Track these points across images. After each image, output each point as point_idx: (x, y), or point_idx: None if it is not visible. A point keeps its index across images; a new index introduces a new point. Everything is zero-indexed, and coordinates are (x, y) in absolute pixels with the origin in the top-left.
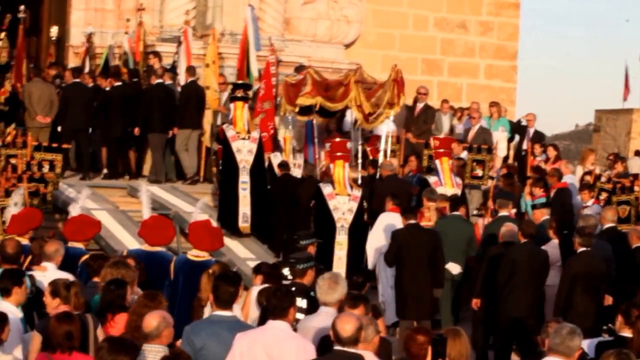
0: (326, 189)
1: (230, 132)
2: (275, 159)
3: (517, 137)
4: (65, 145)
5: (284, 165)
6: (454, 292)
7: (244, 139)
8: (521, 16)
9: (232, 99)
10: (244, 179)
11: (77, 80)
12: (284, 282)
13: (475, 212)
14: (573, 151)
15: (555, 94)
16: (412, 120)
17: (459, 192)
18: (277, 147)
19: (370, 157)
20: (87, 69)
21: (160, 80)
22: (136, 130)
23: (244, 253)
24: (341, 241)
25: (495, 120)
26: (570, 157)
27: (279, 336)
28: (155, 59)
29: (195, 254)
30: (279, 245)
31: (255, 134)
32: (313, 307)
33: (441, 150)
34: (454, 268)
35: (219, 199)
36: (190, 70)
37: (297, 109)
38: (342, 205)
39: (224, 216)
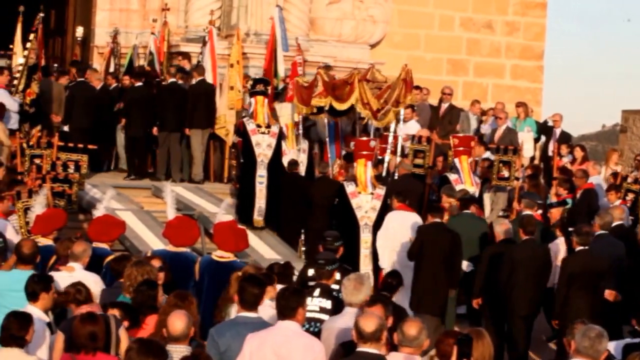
0: (349, 188)
1: (250, 126)
2: (274, 127)
3: (543, 138)
4: (91, 146)
5: (292, 163)
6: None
7: (263, 133)
8: (548, 16)
9: (252, 93)
10: (261, 173)
11: (82, 79)
12: (310, 283)
13: (501, 213)
14: (600, 152)
15: (581, 95)
16: (437, 120)
17: (477, 191)
18: (280, 134)
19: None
20: (112, 69)
21: (173, 80)
22: (154, 130)
23: (269, 254)
24: (366, 239)
25: (521, 121)
26: (597, 157)
27: (287, 336)
28: (184, 60)
29: (220, 255)
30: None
31: (275, 129)
32: (338, 307)
33: (460, 148)
34: (464, 266)
35: (237, 192)
36: (199, 69)
37: (314, 110)
38: (365, 204)
39: (240, 208)
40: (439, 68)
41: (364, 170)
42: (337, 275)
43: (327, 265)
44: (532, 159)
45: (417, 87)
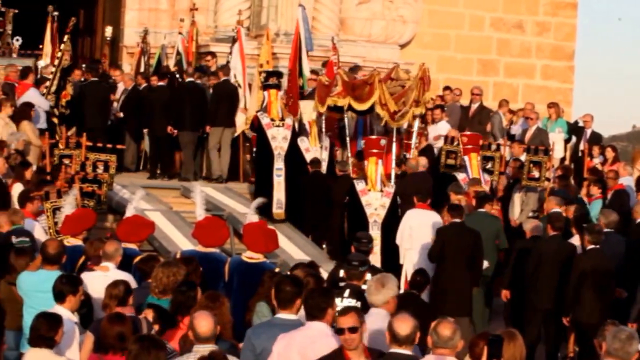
0: (359, 185)
1: (265, 120)
2: (302, 143)
3: (574, 139)
4: (119, 146)
5: (315, 162)
6: (485, 287)
7: (278, 126)
8: (578, 16)
9: (265, 86)
10: (279, 165)
11: (95, 78)
12: (340, 283)
13: (531, 214)
14: (630, 152)
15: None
16: (467, 120)
17: (487, 188)
18: (303, 131)
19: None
20: (142, 69)
21: (191, 79)
22: (170, 129)
23: (297, 254)
24: (375, 236)
25: (553, 122)
26: (627, 158)
27: (314, 337)
28: (213, 60)
29: (250, 256)
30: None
31: (289, 121)
32: (366, 308)
33: (469, 146)
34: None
35: (254, 186)
36: (225, 69)
37: (324, 108)
38: (375, 201)
39: None
40: (469, 68)
41: (374, 168)
42: (368, 276)
43: (360, 267)
44: (563, 159)
45: (448, 88)
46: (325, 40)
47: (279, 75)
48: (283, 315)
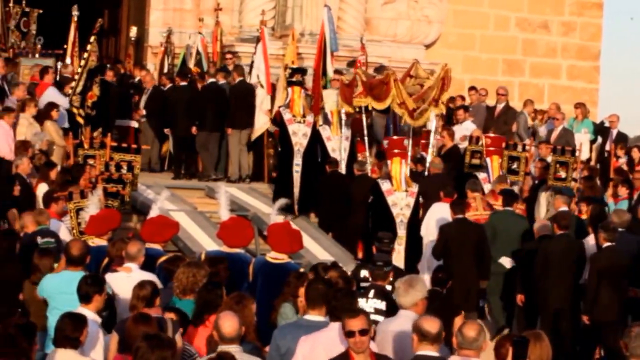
0: (384, 185)
1: (287, 116)
2: (324, 131)
3: (599, 139)
4: (144, 147)
5: (333, 162)
6: (503, 284)
7: (299, 122)
8: (604, 16)
9: (289, 83)
10: (297, 161)
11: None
12: (362, 284)
13: None
14: None
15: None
16: (492, 121)
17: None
18: (325, 120)
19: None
20: (165, 69)
21: (212, 80)
22: (193, 130)
23: (322, 255)
24: (401, 235)
25: (579, 122)
26: None
27: (340, 337)
28: (232, 59)
29: (274, 256)
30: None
31: (310, 118)
32: (392, 309)
33: (492, 148)
34: (506, 262)
35: (275, 180)
36: (239, 69)
37: (356, 109)
38: (400, 201)
39: (279, 197)
40: (494, 68)
41: (399, 168)
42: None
43: (384, 267)
44: (588, 160)
45: (473, 88)
46: (351, 40)
47: (303, 72)
48: (311, 316)
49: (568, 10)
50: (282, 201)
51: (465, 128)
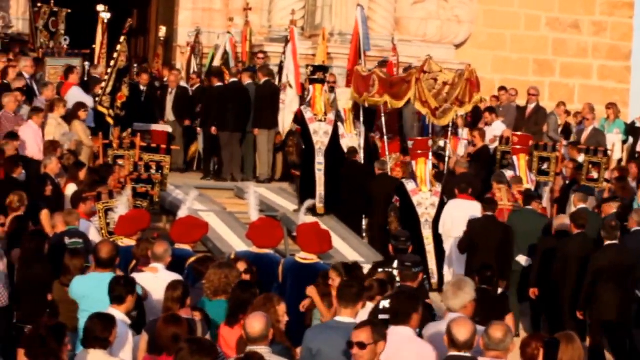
0: (409, 185)
1: (308, 114)
2: (331, 115)
3: (630, 139)
4: (174, 147)
5: (352, 151)
6: (520, 284)
7: (321, 120)
8: (635, 15)
9: (311, 81)
10: (320, 160)
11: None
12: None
13: None
14: None
15: None
16: (523, 121)
17: (532, 188)
18: (338, 118)
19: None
20: (194, 69)
21: (235, 80)
22: (213, 130)
23: (352, 256)
24: (427, 235)
25: (610, 123)
26: None
27: (400, 342)
28: (264, 58)
29: (304, 257)
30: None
31: (332, 116)
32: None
33: (519, 147)
34: (522, 260)
35: (299, 180)
36: (265, 69)
37: (361, 99)
38: (425, 201)
39: (303, 195)
40: (524, 68)
41: (424, 168)
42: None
43: (413, 267)
44: (620, 160)
45: (503, 88)
46: (381, 40)
47: (324, 70)
48: (342, 318)
49: (599, 9)
50: (310, 202)
51: (495, 128)
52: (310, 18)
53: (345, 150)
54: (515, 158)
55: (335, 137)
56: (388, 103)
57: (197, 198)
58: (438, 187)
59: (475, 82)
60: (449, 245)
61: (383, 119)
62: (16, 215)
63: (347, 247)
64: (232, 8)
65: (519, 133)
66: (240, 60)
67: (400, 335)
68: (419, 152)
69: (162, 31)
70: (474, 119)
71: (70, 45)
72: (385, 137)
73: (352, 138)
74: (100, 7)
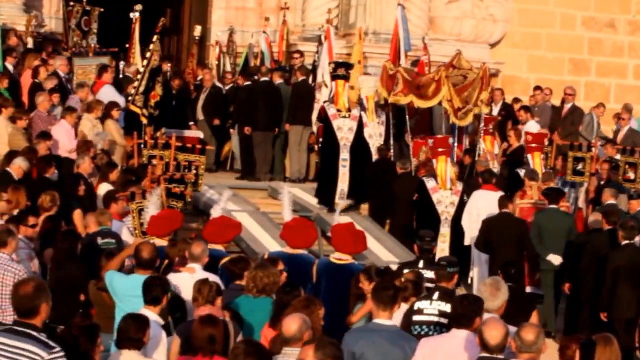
0: (430, 183)
1: (331, 111)
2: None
3: None
4: (209, 147)
5: (383, 149)
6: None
7: (344, 117)
8: None
9: (334, 77)
10: (344, 156)
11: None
12: (427, 285)
13: None
14: None
15: None
16: (559, 121)
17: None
18: (361, 107)
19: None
20: (227, 68)
21: (266, 79)
22: (247, 129)
23: (386, 256)
24: (444, 234)
25: None
26: None
27: (463, 345)
28: (300, 59)
29: (338, 257)
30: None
31: (356, 112)
32: None
33: (534, 145)
34: (555, 259)
35: (319, 175)
36: (302, 69)
37: (390, 98)
38: (445, 199)
39: (322, 192)
40: (560, 68)
41: (444, 167)
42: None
43: (448, 267)
44: None
45: (538, 88)
46: (415, 39)
47: (347, 66)
48: (381, 320)
49: (635, 9)
50: (346, 202)
51: (530, 128)
52: (344, 17)
53: (367, 137)
54: (530, 156)
55: (359, 133)
56: (415, 103)
57: (231, 198)
58: (459, 186)
59: (486, 81)
60: (471, 238)
61: (408, 119)
62: (49, 215)
63: (382, 248)
64: (265, 7)
65: (534, 132)
66: (276, 60)
67: (462, 339)
68: (440, 150)
69: (197, 30)
70: (509, 119)
71: (100, 44)
72: (410, 137)
73: (374, 127)
74: (138, 7)
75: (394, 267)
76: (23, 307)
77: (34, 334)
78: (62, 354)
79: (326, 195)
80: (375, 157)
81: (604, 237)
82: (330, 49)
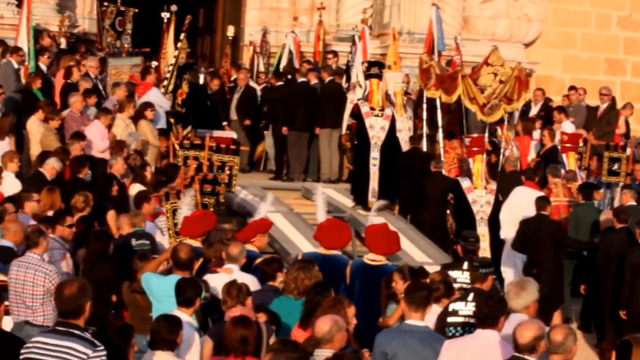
0: (464, 183)
1: (364, 109)
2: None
3: None
4: (243, 147)
5: (416, 137)
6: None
7: (377, 115)
8: None
9: (367, 76)
10: (375, 155)
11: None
12: (463, 286)
13: None
14: None
15: None
16: (595, 121)
17: None
18: (389, 101)
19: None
20: (261, 68)
21: (303, 79)
22: (284, 130)
23: (420, 257)
24: (483, 233)
25: None
26: None
27: (489, 345)
28: (334, 59)
29: (372, 258)
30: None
31: (389, 112)
32: None
33: (568, 145)
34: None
35: (352, 173)
36: (328, 69)
37: (429, 92)
38: (480, 198)
39: (356, 190)
40: (595, 68)
41: (480, 165)
42: None
43: (482, 268)
44: None
45: (573, 88)
46: (449, 39)
47: (380, 65)
48: (413, 321)
49: None
50: (380, 202)
51: (565, 128)
52: (378, 17)
53: (397, 132)
54: (564, 156)
55: (392, 132)
56: (442, 98)
57: (265, 198)
58: (493, 185)
59: (524, 80)
60: (506, 232)
61: (440, 117)
62: (82, 215)
63: (416, 249)
64: (299, 7)
65: (569, 132)
66: (308, 60)
67: (487, 338)
68: (476, 149)
69: (230, 30)
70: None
71: (134, 44)
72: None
73: (402, 121)
74: (173, 7)
75: (428, 268)
76: (68, 307)
77: (78, 332)
78: (104, 352)
79: (360, 194)
80: (406, 147)
81: (618, 236)
82: (365, 48)
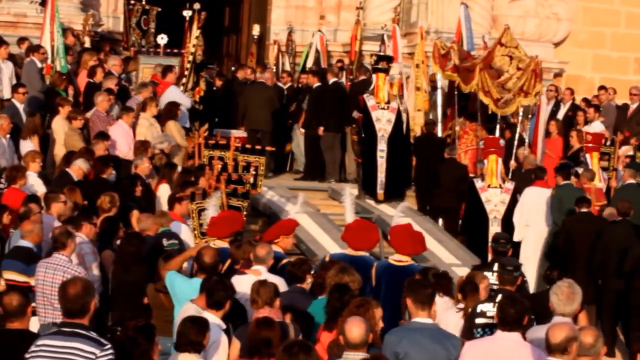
0: (478, 183)
1: (370, 102)
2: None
3: None
4: (269, 148)
5: (429, 123)
6: None
7: (383, 108)
8: None
9: (375, 70)
10: (382, 147)
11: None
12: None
13: None
14: None
15: None
16: (625, 121)
17: (604, 187)
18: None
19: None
20: (286, 67)
21: (335, 79)
22: (320, 130)
23: (448, 258)
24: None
25: None
26: None
27: (511, 347)
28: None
29: (398, 259)
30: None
31: (394, 104)
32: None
33: (591, 145)
34: None
35: (360, 166)
36: (332, 69)
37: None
38: (494, 197)
39: (365, 183)
40: (625, 67)
41: (495, 166)
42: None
43: (514, 272)
44: None
45: (603, 87)
46: (477, 38)
47: (389, 59)
48: (420, 319)
49: None
50: (405, 204)
51: (595, 128)
52: (405, 16)
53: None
54: (587, 156)
55: (398, 125)
56: (460, 85)
57: (291, 200)
58: (509, 184)
59: (539, 73)
60: (521, 235)
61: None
62: (107, 216)
63: (444, 250)
64: (325, 5)
65: (592, 132)
66: (340, 59)
67: (509, 340)
68: (491, 149)
69: (256, 29)
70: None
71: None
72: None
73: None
74: (196, 5)
75: (456, 270)
76: (74, 306)
77: (84, 332)
78: (112, 350)
79: (369, 186)
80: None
81: (621, 227)
82: (396, 47)
